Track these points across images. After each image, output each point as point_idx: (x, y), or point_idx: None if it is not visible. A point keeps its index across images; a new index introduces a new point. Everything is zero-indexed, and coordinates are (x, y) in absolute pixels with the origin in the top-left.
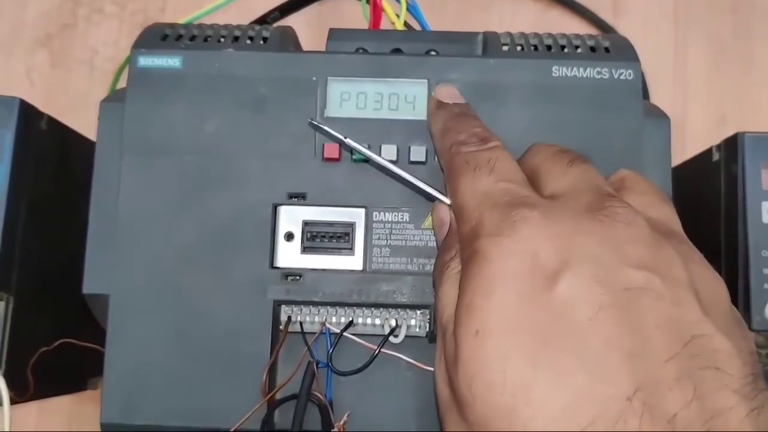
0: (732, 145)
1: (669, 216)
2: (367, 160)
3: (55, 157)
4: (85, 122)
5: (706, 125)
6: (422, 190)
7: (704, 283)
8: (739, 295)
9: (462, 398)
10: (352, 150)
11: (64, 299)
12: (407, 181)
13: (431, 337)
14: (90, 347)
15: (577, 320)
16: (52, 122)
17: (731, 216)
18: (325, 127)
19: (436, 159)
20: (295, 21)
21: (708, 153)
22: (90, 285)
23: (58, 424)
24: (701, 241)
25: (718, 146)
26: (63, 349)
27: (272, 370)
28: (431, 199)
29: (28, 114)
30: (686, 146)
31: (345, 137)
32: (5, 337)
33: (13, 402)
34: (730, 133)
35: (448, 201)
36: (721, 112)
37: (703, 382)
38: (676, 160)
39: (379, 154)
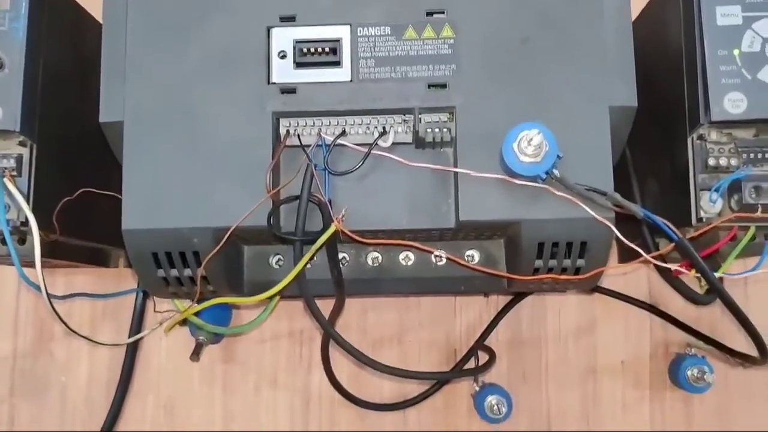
0: None
1: None
2: None
3: (67, 24)
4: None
5: None
6: None
7: None
8: (700, 92)
9: None
10: None
11: (84, 157)
12: None
13: (417, 143)
14: (108, 194)
15: None
16: None
17: (689, 23)
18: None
19: None
20: None
21: None
22: (106, 114)
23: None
24: (665, 58)
25: None
26: (84, 199)
27: (275, 173)
28: None
29: None
30: None
31: None
32: (31, 180)
33: (42, 242)
34: None
35: None
36: None
37: None
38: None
39: None
